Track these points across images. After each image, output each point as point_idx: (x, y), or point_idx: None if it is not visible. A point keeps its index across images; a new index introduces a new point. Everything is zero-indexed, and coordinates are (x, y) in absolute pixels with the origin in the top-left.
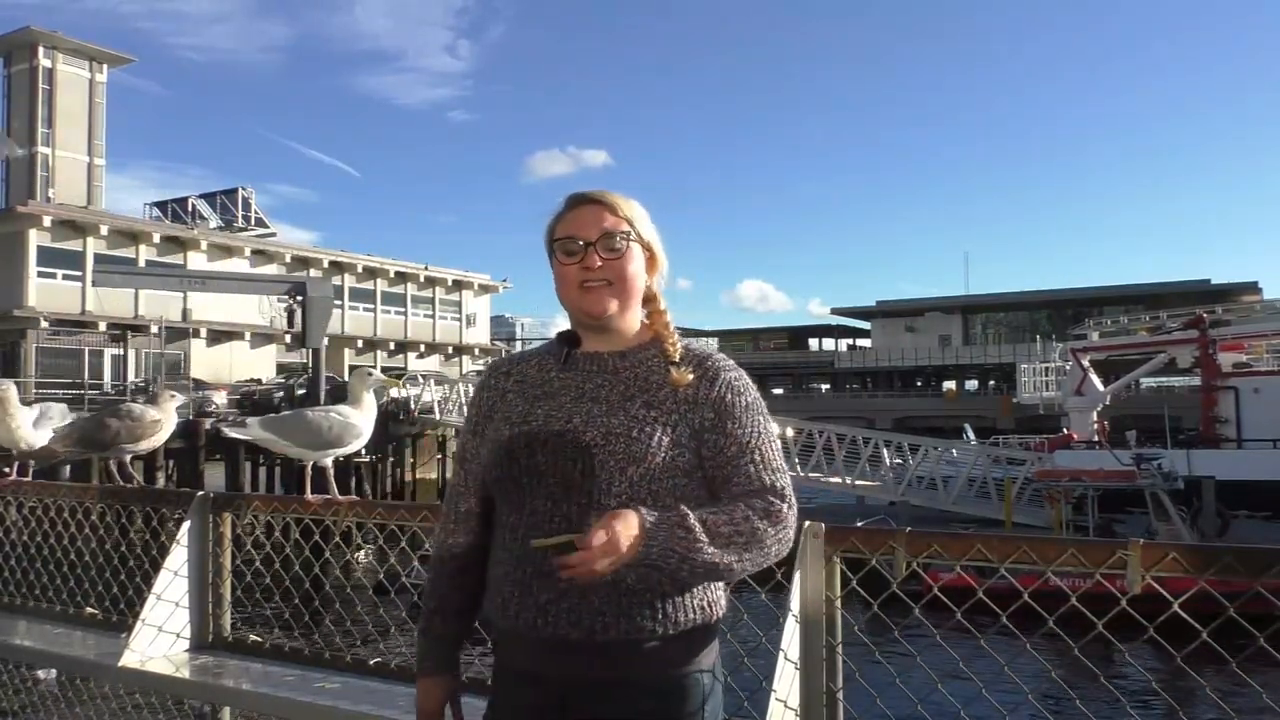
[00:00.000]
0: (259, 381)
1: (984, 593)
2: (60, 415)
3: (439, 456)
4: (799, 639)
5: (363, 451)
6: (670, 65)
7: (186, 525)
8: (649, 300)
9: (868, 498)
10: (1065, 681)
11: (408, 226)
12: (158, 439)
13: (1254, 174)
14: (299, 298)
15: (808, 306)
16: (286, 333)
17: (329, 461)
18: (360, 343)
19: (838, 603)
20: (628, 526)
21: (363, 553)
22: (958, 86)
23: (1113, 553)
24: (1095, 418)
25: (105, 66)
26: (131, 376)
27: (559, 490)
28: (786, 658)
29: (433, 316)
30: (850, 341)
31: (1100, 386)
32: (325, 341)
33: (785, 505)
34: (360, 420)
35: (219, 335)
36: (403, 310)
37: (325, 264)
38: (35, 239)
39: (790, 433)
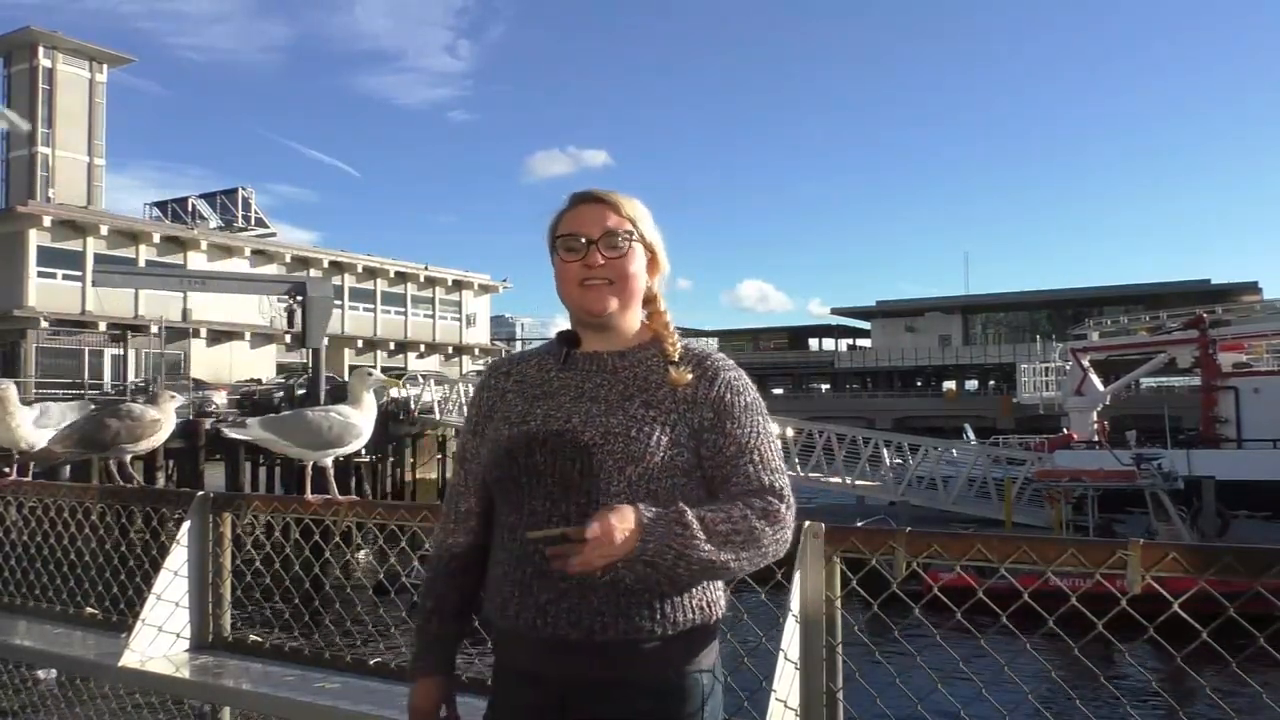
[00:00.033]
0: (259, 381)
1: (984, 593)
2: (60, 414)
3: (439, 456)
4: (799, 639)
5: (363, 451)
6: (670, 65)
7: (186, 525)
8: (649, 301)
9: (868, 498)
10: (1065, 681)
11: (408, 226)
12: (157, 439)
13: (1254, 174)
14: (299, 298)
15: (808, 306)
16: (286, 333)
17: (329, 461)
18: (360, 343)
19: (838, 603)
20: (624, 521)
21: (363, 553)
22: (958, 86)
23: (1113, 553)
24: (1095, 418)
25: (105, 66)
26: (131, 376)
27: (558, 490)
28: (786, 658)
29: (433, 316)
30: (850, 341)
31: (1100, 386)
32: (325, 341)
33: (784, 506)
34: (360, 420)
35: (219, 335)
36: (403, 310)
37: (325, 264)
38: (35, 239)
39: (790, 433)
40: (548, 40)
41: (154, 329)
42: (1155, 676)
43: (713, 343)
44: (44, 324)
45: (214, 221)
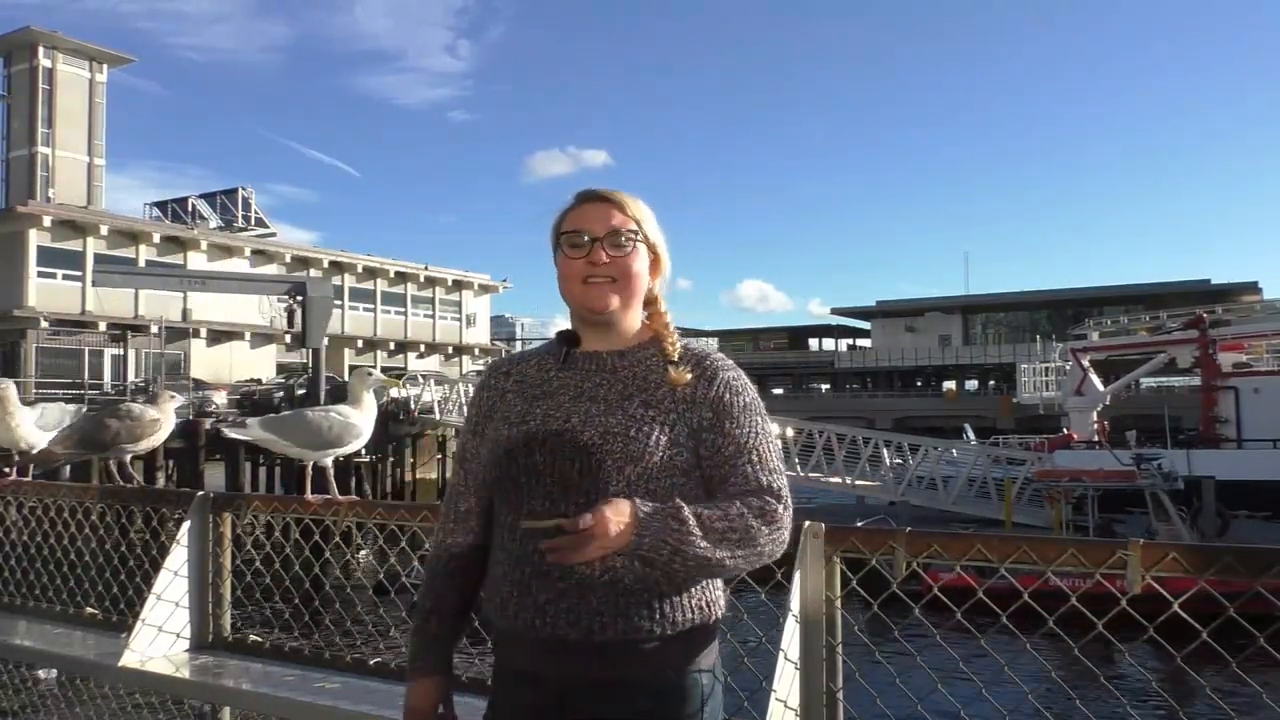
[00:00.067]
0: (259, 381)
1: (984, 593)
2: (59, 418)
3: (439, 456)
4: (799, 639)
5: (363, 451)
6: (670, 65)
7: (186, 525)
8: (650, 302)
9: (868, 498)
10: (1065, 681)
11: (408, 226)
12: (157, 438)
13: (1254, 174)
14: (299, 298)
15: (808, 306)
16: (286, 333)
17: (329, 461)
18: (360, 343)
19: (838, 603)
20: (619, 514)
21: (364, 553)
22: (958, 86)
23: (1113, 553)
24: (1095, 418)
25: (105, 66)
26: (131, 376)
27: (557, 490)
28: (786, 658)
29: (433, 316)
30: (850, 341)
31: (1100, 386)
32: (325, 341)
33: (781, 506)
34: (360, 420)
35: (219, 335)
36: (403, 310)
37: (325, 264)
38: (35, 239)
39: (790, 433)
40: (548, 40)
41: (154, 329)
42: (1155, 676)
43: (713, 343)
44: (44, 324)
45: (214, 221)
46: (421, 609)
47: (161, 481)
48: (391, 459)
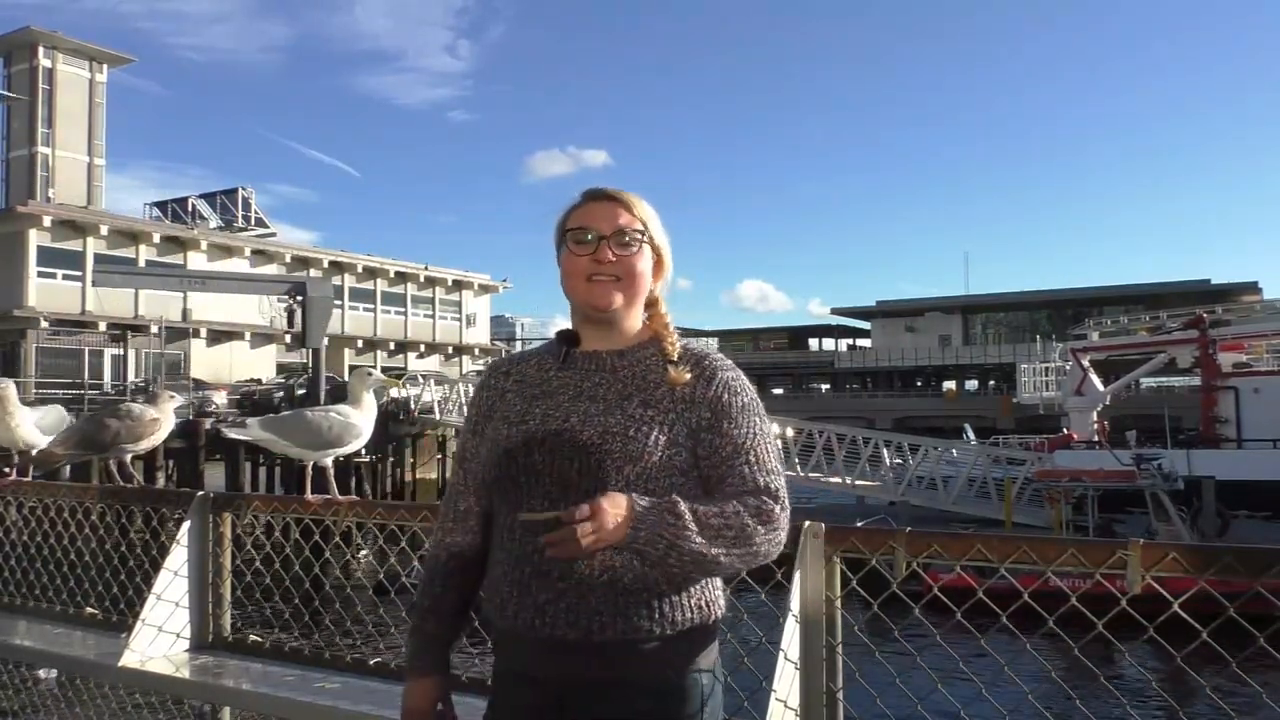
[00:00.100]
0: (259, 381)
1: (984, 593)
2: (59, 418)
3: (439, 456)
4: (799, 639)
5: (363, 451)
6: (670, 65)
7: (186, 525)
8: (651, 304)
9: (868, 498)
10: (1065, 681)
11: (408, 226)
12: (157, 438)
13: (1254, 174)
14: (299, 298)
15: (808, 306)
16: (286, 333)
17: (329, 461)
18: (360, 343)
19: (838, 603)
20: (615, 506)
21: (364, 554)
22: (958, 86)
23: (1113, 553)
24: (1095, 418)
25: (105, 66)
26: (131, 376)
27: (556, 490)
28: (786, 658)
29: (433, 316)
30: (850, 341)
31: (1100, 386)
32: (325, 341)
33: (778, 507)
34: (360, 420)
35: (219, 335)
36: (403, 310)
37: (325, 264)
38: (35, 239)
39: (790, 433)
40: (548, 40)
41: (154, 329)
42: (1155, 676)
43: (713, 343)
44: (44, 324)
45: (214, 221)
46: (420, 608)
47: (161, 481)
48: (391, 459)
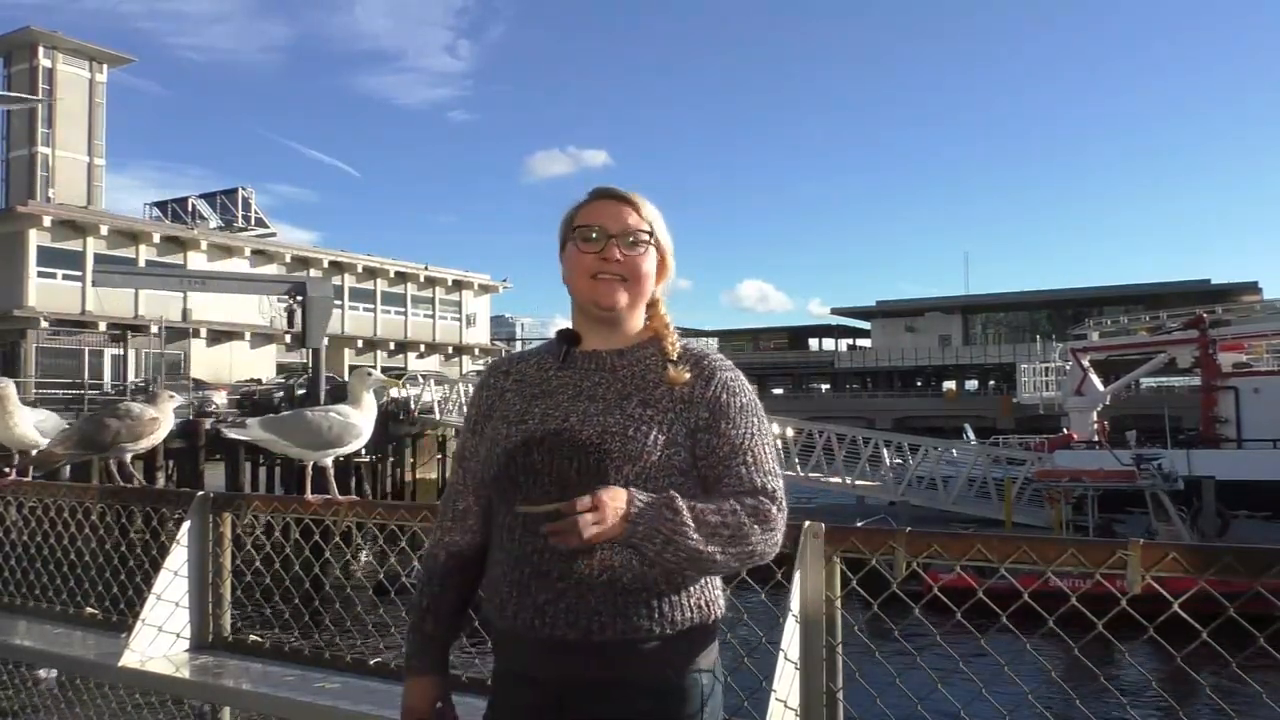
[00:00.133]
0: (259, 381)
1: (984, 593)
2: (58, 424)
3: (439, 456)
4: (799, 639)
5: (363, 451)
6: (670, 65)
7: (186, 525)
8: (651, 305)
9: (868, 498)
10: (1065, 681)
11: (408, 226)
12: (156, 437)
13: (1254, 174)
14: (299, 298)
15: (808, 306)
16: (286, 333)
17: (329, 461)
18: (360, 343)
19: (838, 603)
20: (615, 499)
21: (364, 555)
22: (958, 86)
23: (1113, 553)
24: (1095, 418)
25: (105, 66)
26: (131, 376)
27: (556, 489)
28: (786, 658)
29: (433, 316)
30: (850, 341)
31: (1100, 386)
32: (325, 341)
33: (775, 507)
34: (360, 420)
35: (219, 335)
36: (403, 310)
37: (325, 264)
38: (35, 239)
39: (790, 433)
40: (548, 40)
41: (154, 329)
42: (1155, 676)
43: (713, 343)
44: (44, 324)
45: (214, 221)
46: (418, 608)
47: (161, 481)
48: (391, 459)
